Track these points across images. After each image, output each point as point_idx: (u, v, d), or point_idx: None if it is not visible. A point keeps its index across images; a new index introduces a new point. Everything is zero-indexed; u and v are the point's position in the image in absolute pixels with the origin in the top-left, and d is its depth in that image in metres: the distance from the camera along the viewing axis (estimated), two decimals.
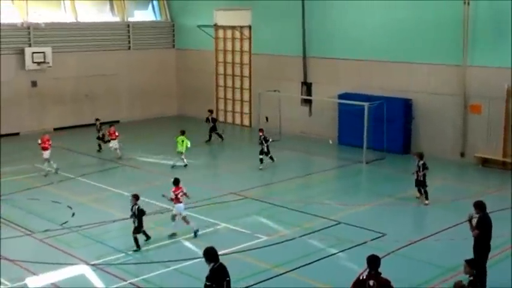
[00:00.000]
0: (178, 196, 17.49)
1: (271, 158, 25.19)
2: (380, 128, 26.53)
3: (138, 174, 24.39)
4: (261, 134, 25.41)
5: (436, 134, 26.75)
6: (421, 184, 20.31)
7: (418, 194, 20.52)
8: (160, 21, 38.15)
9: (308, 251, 16.32)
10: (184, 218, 17.49)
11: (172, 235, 17.36)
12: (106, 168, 25.23)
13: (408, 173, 21.49)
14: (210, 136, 30.34)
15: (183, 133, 25.23)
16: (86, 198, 20.93)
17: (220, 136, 30.52)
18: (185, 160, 25.01)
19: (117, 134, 26.76)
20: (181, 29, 37.69)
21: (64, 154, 27.80)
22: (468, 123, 25.81)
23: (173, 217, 17.58)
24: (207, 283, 10.54)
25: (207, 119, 30.64)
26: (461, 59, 25.40)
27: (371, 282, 10.36)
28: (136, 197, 17.01)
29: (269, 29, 32.82)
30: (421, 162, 20.15)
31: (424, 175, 20.15)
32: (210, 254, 10.95)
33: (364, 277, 10.50)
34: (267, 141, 25.01)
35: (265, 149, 25.01)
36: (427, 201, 19.99)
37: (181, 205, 17.53)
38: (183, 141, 24.98)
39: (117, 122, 35.24)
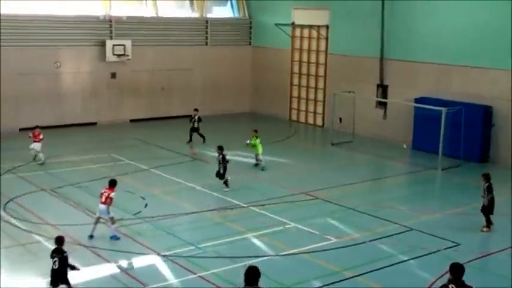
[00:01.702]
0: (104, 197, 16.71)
1: (225, 182, 21.74)
2: (457, 135, 25.88)
3: (210, 169, 24.55)
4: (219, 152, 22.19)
5: None
6: (485, 210, 18.04)
7: (484, 226, 18.12)
8: (238, 18, 38.39)
9: (378, 256, 16.09)
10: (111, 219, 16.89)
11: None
12: (179, 162, 25.56)
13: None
14: (191, 136, 28.95)
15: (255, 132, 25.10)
16: (159, 190, 21.27)
17: (202, 136, 29.02)
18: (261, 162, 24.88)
19: (41, 136, 24.74)
20: (258, 27, 37.82)
21: (139, 146, 28.38)
22: None
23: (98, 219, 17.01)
24: None
25: (192, 117, 29.13)
26: None
27: None
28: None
29: (347, 29, 32.54)
30: (486, 184, 17.96)
31: (491, 200, 17.87)
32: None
33: (454, 287, 10.03)
34: (225, 161, 21.90)
35: (221, 170, 21.81)
36: (485, 229, 18.03)
37: (104, 207, 16.69)
38: (255, 144, 24.77)
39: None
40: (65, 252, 12.58)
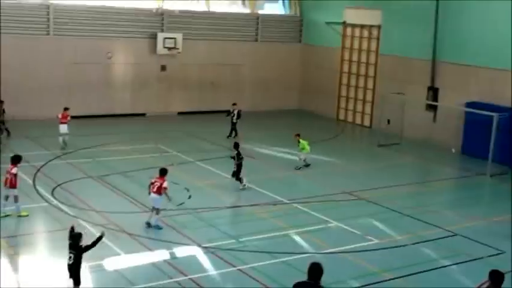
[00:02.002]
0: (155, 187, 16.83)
1: (238, 179, 21.29)
2: (508, 141, 25.36)
3: (255, 164, 24.66)
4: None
5: None
6: None
7: None
8: (290, 15, 38.34)
9: (419, 259, 15.90)
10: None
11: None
12: (225, 156, 25.68)
13: None
14: (232, 130, 28.85)
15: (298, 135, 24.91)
16: (203, 183, 21.44)
17: (235, 132, 28.80)
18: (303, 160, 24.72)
19: (69, 118, 25.10)
20: (309, 25, 37.72)
21: (185, 138, 28.63)
22: None
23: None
24: None
25: (230, 112, 28.98)
26: None
27: None
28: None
29: (399, 30, 32.17)
30: None
31: None
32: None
33: None
34: (240, 158, 21.28)
35: (234, 168, 21.33)
36: None
37: (157, 197, 16.89)
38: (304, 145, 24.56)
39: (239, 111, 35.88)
40: (81, 246, 12.26)
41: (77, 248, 12.24)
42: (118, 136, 27.81)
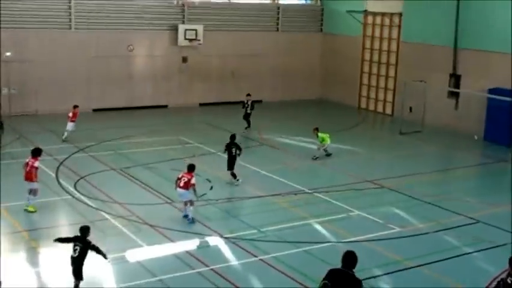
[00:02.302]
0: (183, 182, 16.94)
1: (232, 174, 20.80)
2: None
3: (277, 154, 24.73)
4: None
5: None
6: None
7: None
8: (311, 4, 38.22)
9: (442, 247, 15.85)
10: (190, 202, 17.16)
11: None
12: (246, 146, 25.71)
13: None
14: (248, 122, 28.49)
15: (317, 129, 24.73)
16: (225, 174, 21.50)
17: (248, 123, 28.45)
18: (322, 150, 24.67)
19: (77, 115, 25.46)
20: (330, 14, 37.55)
21: (207, 129, 28.74)
22: None
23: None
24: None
25: (244, 103, 28.56)
26: None
27: None
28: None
29: (420, 17, 31.90)
30: None
31: None
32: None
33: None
34: (234, 152, 20.70)
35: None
36: None
37: (184, 192, 16.98)
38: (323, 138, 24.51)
39: (260, 101, 35.90)
40: (89, 242, 12.29)
41: (84, 241, 12.25)
42: (140, 128, 28.01)
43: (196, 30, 33.39)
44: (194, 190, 16.98)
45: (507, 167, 24.22)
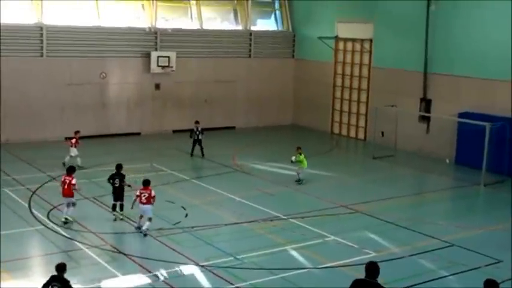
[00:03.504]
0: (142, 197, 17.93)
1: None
2: (501, 150, 25.51)
3: (251, 180, 24.74)
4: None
5: None
6: None
7: None
8: (282, 31, 38.58)
9: (418, 271, 15.94)
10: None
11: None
12: (220, 173, 25.76)
13: None
14: (195, 148, 28.49)
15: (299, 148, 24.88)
16: (199, 201, 21.46)
17: (202, 150, 28.37)
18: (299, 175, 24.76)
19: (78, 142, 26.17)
20: (301, 40, 37.93)
21: (180, 156, 28.67)
22: None
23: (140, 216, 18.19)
24: None
25: (193, 131, 28.63)
26: None
27: None
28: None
29: (391, 42, 32.39)
30: None
31: None
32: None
33: None
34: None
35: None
36: None
37: (148, 207, 17.93)
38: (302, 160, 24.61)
39: (233, 128, 36.01)
40: (68, 281, 11.50)
41: (62, 280, 11.44)
42: (113, 156, 27.75)
43: (169, 57, 33.45)
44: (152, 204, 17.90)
45: (479, 190, 24.53)
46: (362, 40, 34.09)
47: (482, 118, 25.96)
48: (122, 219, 19.30)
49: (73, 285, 11.70)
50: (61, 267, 11.55)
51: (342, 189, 24.12)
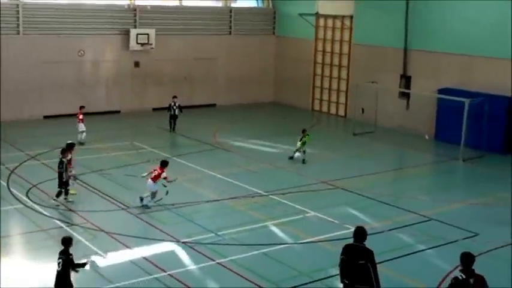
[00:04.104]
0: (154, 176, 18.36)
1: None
2: (480, 126, 25.73)
3: (232, 157, 24.75)
4: None
5: None
6: None
7: None
8: (263, 7, 38.38)
9: (397, 245, 16.11)
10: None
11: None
12: (201, 150, 25.72)
13: (506, 173, 20.70)
14: (171, 123, 28.80)
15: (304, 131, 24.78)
16: (180, 178, 21.40)
17: (173, 126, 28.78)
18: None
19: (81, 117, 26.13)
20: (282, 17, 37.77)
21: (161, 134, 28.59)
22: None
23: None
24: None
25: (170, 106, 28.87)
26: None
27: (471, 280, 10.10)
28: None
29: (371, 19, 32.37)
30: None
31: None
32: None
33: (464, 276, 10.16)
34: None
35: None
36: None
37: (151, 184, 18.37)
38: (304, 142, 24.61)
39: (214, 105, 35.91)
40: (70, 254, 11.68)
41: (66, 253, 11.64)
42: (93, 134, 27.58)
43: (148, 34, 33.15)
44: (166, 183, 18.40)
45: (458, 165, 24.76)
46: (343, 17, 34.03)
47: (462, 94, 26.13)
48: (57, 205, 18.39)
49: (53, 263, 11.86)
50: (65, 241, 11.83)
51: (323, 165, 24.21)
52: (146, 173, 18.82)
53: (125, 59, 33.32)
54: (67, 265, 11.59)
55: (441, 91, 27.87)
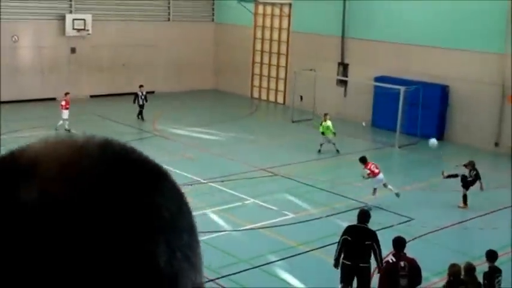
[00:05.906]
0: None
1: None
2: (415, 113, 26.32)
3: (170, 145, 24.62)
4: None
5: (471, 122, 26.44)
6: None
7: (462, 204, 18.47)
8: None
9: (335, 230, 16.23)
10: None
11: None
12: (140, 138, 25.50)
13: (440, 159, 21.28)
14: (140, 112, 28.68)
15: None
16: None
17: (141, 115, 28.70)
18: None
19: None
20: (221, 3, 37.66)
21: (98, 121, 28.18)
22: (504, 114, 25.45)
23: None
24: None
25: (137, 95, 28.69)
26: (503, 48, 24.97)
27: (402, 263, 10.42)
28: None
29: (309, 7, 32.60)
30: (474, 172, 18.18)
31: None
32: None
33: (394, 259, 10.51)
34: None
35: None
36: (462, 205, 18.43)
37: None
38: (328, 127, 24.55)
39: (153, 92, 35.56)
40: None
41: None
42: (28, 122, 27.03)
43: (84, 19, 32.55)
44: None
45: (394, 152, 25.30)
46: (281, 4, 34.17)
47: (398, 82, 26.68)
48: None
49: None
50: None
51: (262, 152, 24.33)
52: None
53: (61, 45, 32.64)
54: None
55: (378, 79, 28.37)
